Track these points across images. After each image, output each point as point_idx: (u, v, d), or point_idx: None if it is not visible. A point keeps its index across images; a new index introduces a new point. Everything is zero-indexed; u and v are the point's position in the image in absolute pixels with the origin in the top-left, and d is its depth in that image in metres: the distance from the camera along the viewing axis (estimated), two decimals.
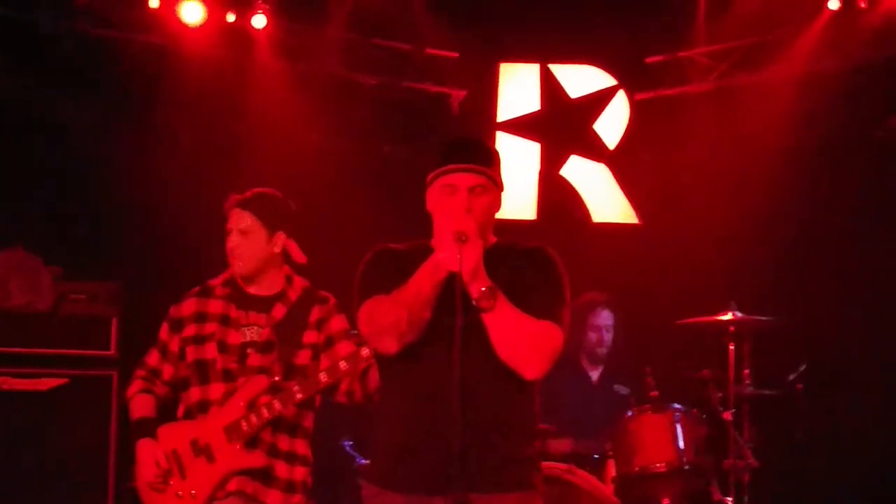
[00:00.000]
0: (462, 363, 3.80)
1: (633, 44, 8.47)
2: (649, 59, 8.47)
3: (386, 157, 8.37)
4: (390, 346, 3.97)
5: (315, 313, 4.95)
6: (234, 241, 4.92)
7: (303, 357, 4.89)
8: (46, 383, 6.59)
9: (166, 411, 5.03)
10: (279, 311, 4.93)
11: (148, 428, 4.92)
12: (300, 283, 5.04)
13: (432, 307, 3.94)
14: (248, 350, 4.87)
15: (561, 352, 4.04)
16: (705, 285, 7.47)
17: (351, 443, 7.03)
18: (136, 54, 7.56)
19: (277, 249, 4.97)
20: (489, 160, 4.13)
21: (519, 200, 8.28)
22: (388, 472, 4.08)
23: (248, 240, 4.91)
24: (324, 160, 7.90)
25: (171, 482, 4.84)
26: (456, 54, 8.48)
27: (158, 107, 7.58)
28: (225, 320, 4.93)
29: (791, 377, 7.01)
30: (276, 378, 4.81)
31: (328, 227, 7.64)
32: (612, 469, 6.62)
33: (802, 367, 7.00)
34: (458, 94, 8.56)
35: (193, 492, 4.80)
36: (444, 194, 4.06)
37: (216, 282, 5.03)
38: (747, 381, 6.88)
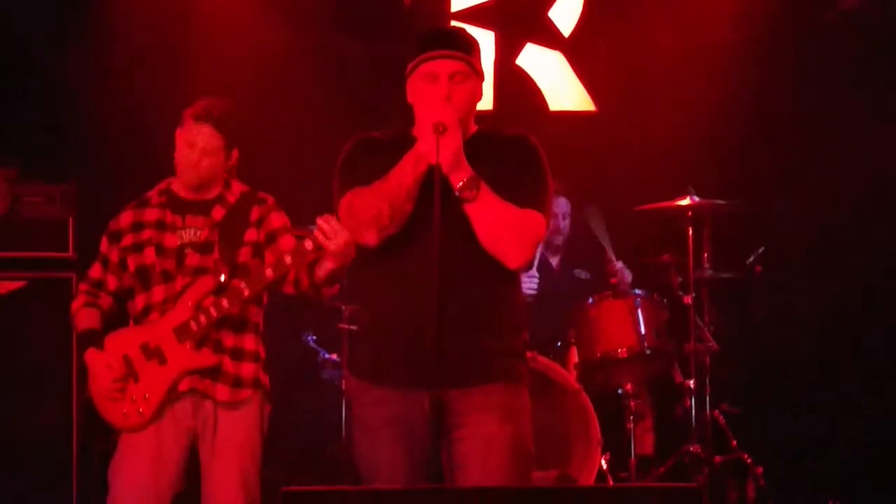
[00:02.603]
0: (444, 255, 3.78)
1: None
2: None
3: (339, 50, 8.28)
4: (371, 238, 3.97)
5: (255, 213, 4.95)
6: (195, 157, 4.88)
7: (244, 254, 4.89)
8: (4, 286, 6.54)
9: (112, 324, 5.03)
10: (218, 212, 4.93)
11: (94, 339, 4.93)
12: (238, 186, 5.03)
13: (414, 199, 3.92)
14: (186, 250, 4.87)
15: (543, 238, 4.06)
16: (663, 171, 7.47)
17: (314, 337, 7.05)
18: None
19: (231, 164, 4.99)
20: (469, 47, 4.10)
21: None
22: (373, 367, 4.11)
23: (210, 158, 4.90)
24: (277, 57, 7.80)
25: (126, 387, 4.84)
26: None
27: (109, 7, 7.46)
28: (161, 225, 4.92)
29: (749, 260, 7.06)
30: (223, 277, 4.81)
31: (280, 124, 7.59)
32: (574, 356, 6.68)
33: (761, 250, 7.06)
34: None
35: (147, 395, 4.81)
36: (425, 82, 4.04)
37: (153, 192, 5.03)
38: (707, 265, 6.94)
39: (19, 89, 7.34)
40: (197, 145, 4.87)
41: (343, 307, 6.56)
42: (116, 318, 5.05)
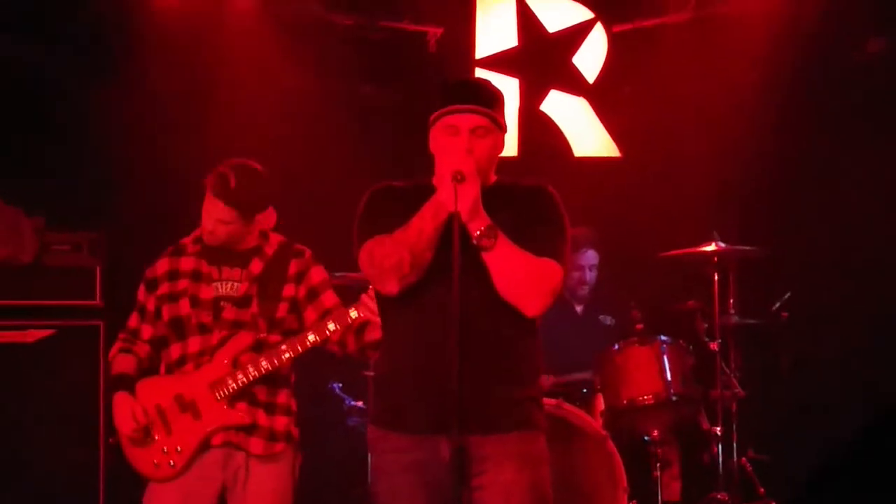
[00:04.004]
0: (462, 303, 3.80)
1: None
2: None
3: (364, 97, 8.32)
4: (392, 287, 3.98)
5: (293, 267, 4.97)
6: (210, 225, 4.91)
7: (282, 310, 4.91)
8: (32, 335, 6.57)
9: (149, 371, 5.04)
10: (256, 265, 4.95)
11: (125, 382, 4.95)
12: (275, 238, 5.05)
13: (434, 248, 3.94)
14: (223, 303, 4.88)
15: (561, 288, 4.06)
16: (688, 216, 7.47)
17: (340, 385, 7.06)
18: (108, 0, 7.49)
19: (266, 224, 5.03)
20: (492, 101, 4.12)
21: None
22: (392, 414, 4.10)
23: (226, 227, 4.92)
24: (301, 102, 7.85)
25: (157, 437, 4.87)
26: None
27: (134, 52, 7.51)
28: (196, 276, 4.94)
29: (776, 306, 7.04)
30: (262, 335, 4.83)
31: (306, 170, 7.61)
32: (600, 403, 6.65)
33: (787, 296, 7.04)
34: (435, 32, 8.50)
35: (179, 448, 4.84)
36: (446, 134, 4.06)
37: (188, 239, 5.05)
38: (732, 311, 6.93)
39: (47, 138, 7.38)
40: (213, 216, 4.91)
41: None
42: (154, 365, 5.06)
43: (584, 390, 6.75)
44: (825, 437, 7.41)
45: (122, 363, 5.00)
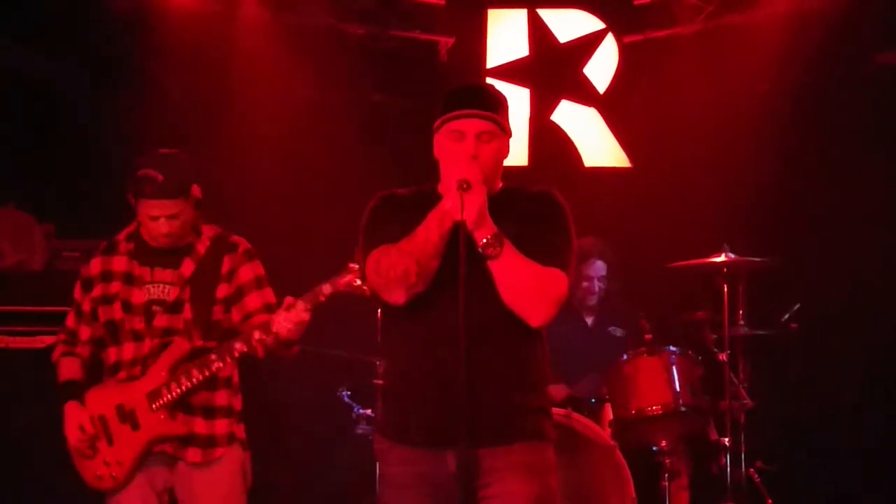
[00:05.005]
0: (469, 313, 3.77)
1: None
2: (637, 2, 8.43)
3: (375, 106, 8.34)
4: (399, 297, 3.95)
5: (226, 264, 4.86)
6: (164, 227, 4.77)
7: (217, 312, 4.83)
8: (43, 341, 6.58)
9: (93, 370, 4.99)
10: (188, 266, 4.84)
11: (74, 390, 4.89)
12: (208, 231, 4.92)
13: (441, 256, 3.92)
14: (154, 308, 4.80)
15: (566, 297, 4.04)
16: (698, 227, 7.47)
17: (349, 392, 7.05)
18: (121, 9, 7.50)
19: (196, 208, 4.85)
20: (497, 106, 4.09)
21: (510, 147, 8.26)
22: (398, 426, 4.08)
23: (178, 220, 4.78)
24: (312, 111, 7.87)
25: (100, 448, 4.83)
26: (443, 1, 8.43)
27: (145, 61, 7.53)
28: (128, 279, 4.85)
29: (785, 317, 7.04)
30: (198, 343, 4.76)
31: (316, 179, 7.63)
32: (609, 413, 6.65)
33: (796, 307, 7.03)
34: (446, 42, 8.52)
35: (119, 460, 4.79)
36: (452, 140, 4.03)
37: (121, 236, 4.95)
38: (741, 322, 6.92)
39: (58, 146, 7.40)
40: (159, 217, 4.76)
41: (378, 363, 6.58)
42: (97, 364, 4.98)
43: (593, 400, 6.75)
44: (834, 449, 7.43)
45: (68, 368, 4.93)
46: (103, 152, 7.38)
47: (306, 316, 4.58)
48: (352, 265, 4.37)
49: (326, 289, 4.55)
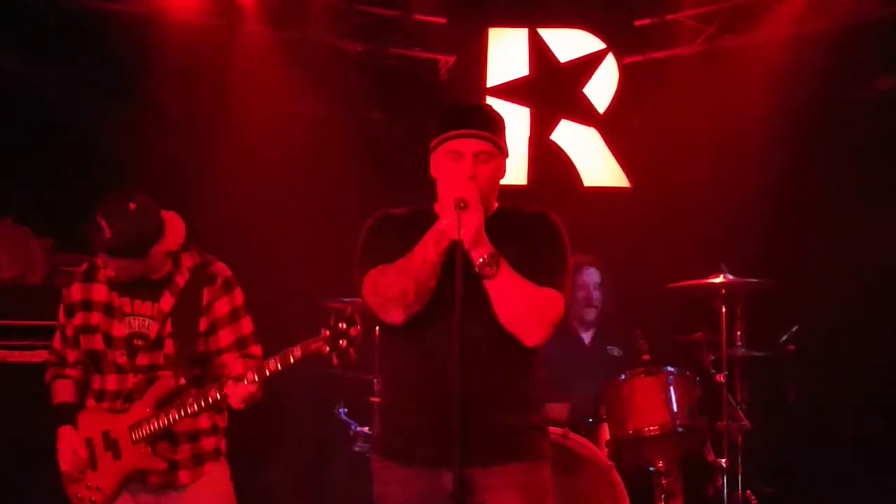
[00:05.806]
0: (464, 332, 3.77)
1: (622, 7, 8.48)
2: (638, 23, 8.46)
3: (374, 124, 8.36)
4: (397, 316, 3.95)
5: (206, 296, 4.78)
6: (115, 273, 4.72)
7: (200, 346, 4.77)
8: (41, 355, 6.57)
9: (84, 389, 4.94)
10: (167, 301, 4.76)
11: (68, 413, 4.85)
12: (187, 262, 4.82)
13: (438, 276, 3.92)
14: (136, 342, 4.74)
15: (562, 318, 4.04)
16: (696, 248, 7.48)
17: (346, 410, 7.06)
18: (121, 24, 7.52)
19: (158, 256, 4.73)
20: (494, 126, 4.10)
21: (509, 166, 8.24)
22: (394, 445, 4.09)
23: (128, 271, 4.71)
24: (312, 128, 7.89)
25: (85, 472, 4.80)
26: (444, 20, 8.45)
27: (145, 77, 7.54)
28: (109, 310, 4.78)
29: (783, 339, 7.04)
30: (182, 381, 4.70)
31: (315, 196, 7.64)
32: (606, 433, 6.64)
33: (794, 329, 7.03)
34: (446, 60, 8.55)
35: (99, 486, 4.76)
36: (449, 160, 4.04)
37: (100, 260, 4.83)
38: (739, 343, 6.92)
39: (58, 159, 7.41)
40: (110, 266, 4.72)
41: (375, 381, 6.58)
42: (88, 382, 4.92)
43: (590, 420, 6.75)
44: (831, 470, 7.42)
45: (62, 391, 4.90)
46: (104, 166, 7.39)
47: (253, 388, 4.49)
48: (325, 332, 4.28)
49: (297, 353, 4.38)
